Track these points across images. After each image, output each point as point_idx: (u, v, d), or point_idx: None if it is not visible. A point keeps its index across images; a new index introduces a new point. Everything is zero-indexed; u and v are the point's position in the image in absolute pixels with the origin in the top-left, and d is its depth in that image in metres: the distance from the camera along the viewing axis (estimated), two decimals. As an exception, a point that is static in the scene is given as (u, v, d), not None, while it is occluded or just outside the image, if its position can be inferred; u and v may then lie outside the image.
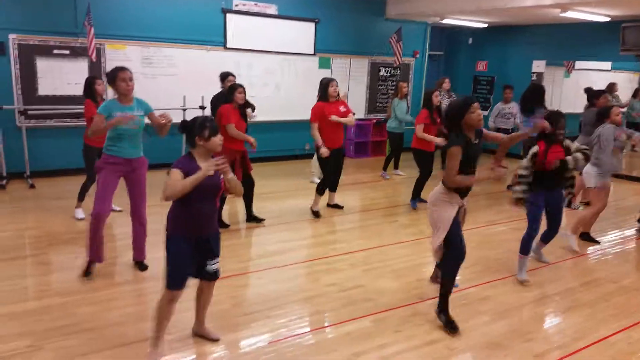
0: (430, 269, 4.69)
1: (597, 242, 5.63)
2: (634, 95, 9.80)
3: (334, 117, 5.78)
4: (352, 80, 10.18)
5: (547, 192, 4.43)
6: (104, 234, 4.26)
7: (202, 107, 8.22)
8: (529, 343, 3.55)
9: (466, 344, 3.52)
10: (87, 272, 4.22)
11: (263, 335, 3.49)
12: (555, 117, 4.37)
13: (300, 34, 9.41)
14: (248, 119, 5.74)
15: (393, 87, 10.51)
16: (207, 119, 3.01)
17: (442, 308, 3.71)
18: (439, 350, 3.42)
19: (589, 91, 7.11)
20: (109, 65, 7.42)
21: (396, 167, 8.79)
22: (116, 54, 7.70)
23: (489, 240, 5.74)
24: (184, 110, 8.18)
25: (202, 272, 3.15)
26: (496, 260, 5.07)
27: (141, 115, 4.12)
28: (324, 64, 9.74)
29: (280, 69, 9.28)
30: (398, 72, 10.68)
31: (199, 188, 2.88)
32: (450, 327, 3.63)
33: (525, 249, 4.60)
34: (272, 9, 9.02)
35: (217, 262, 3.17)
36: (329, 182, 6.14)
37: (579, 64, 13.02)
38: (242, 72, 8.79)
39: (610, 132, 5.16)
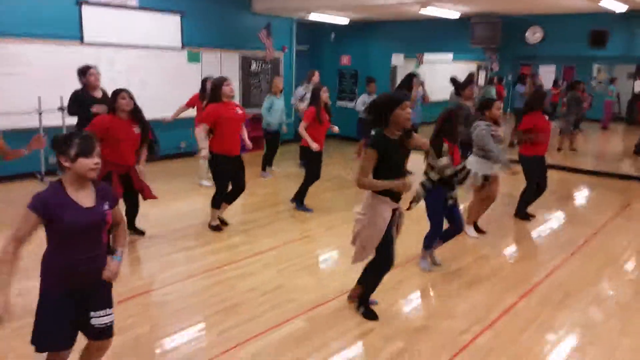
0: (340, 261, 4.76)
1: (483, 232, 5.73)
2: (489, 82, 10.86)
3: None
4: (224, 75, 9.82)
5: (447, 190, 4.42)
6: None
7: (62, 109, 7.35)
8: (451, 321, 3.76)
9: (396, 330, 3.61)
10: None
11: (196, 356, 3.22)
12: (457, 113, 4.41)
13: (166, 27, 8.85)
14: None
15: (267, 81, 10.45)
16: (76, 134, 2.37)
17: (363, 301, 3.75)
18: (376, 341, 3.46)
19: (455, 82, 7.66)
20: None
21: (270, 164, 8.67)
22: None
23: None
24: (40, 113, 7.23)
25: (87, 327, 2.50)
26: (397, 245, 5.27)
27: None
28: (194, 58, 9.30)
29: (145, 64, 8.63)
30: (269, 66, 10.61)
31: (75, 228, 2.31)
32: (371, 316, 3.71)
33: (429, 244, 4.64)
34: (133, 1, 8.35)
35: (106, 315, 2.51)
36: (224, 194, 5.43)
37: (427, 57, 14.22)
38: (103, 68, 7.95)
39: (483, 134, 5.17)
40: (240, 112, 5.39)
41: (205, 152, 5.19)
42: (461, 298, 4.16)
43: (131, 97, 4.63)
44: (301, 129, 5.99)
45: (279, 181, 8.11)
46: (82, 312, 2.46)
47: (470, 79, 8.40)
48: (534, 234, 5.88)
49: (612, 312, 4.01)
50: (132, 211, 5.13)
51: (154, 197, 4.97)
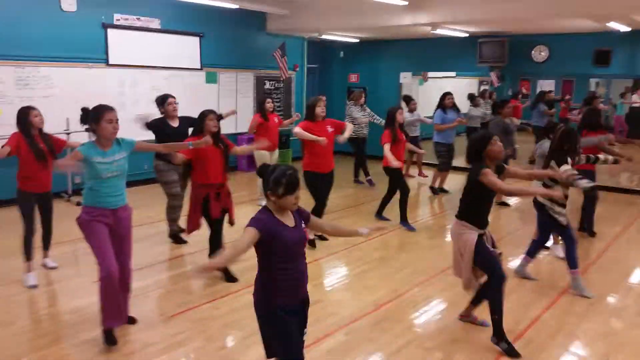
0: (370, 276, 5.02)
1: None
2: (489, 97, 11.10)
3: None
4: (239, 94, 10.18)
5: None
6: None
7: (88, 129, 7.60)
8: (483, 333, 3.96)
9: (434, 342, 3.86)
10: (112, 341, 3.64)
11: (251, 366, 3.46)
12: (574, 134, 4.67)
13: (185, 49, 9.17)
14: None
15: (278, 100, 10.76)
16: (286, 173, 2.52)
17: (499, 335, 3.70)
18: (415, 352, 3.71)
19: (473, 98, 7.93)
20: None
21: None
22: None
23: (407, 242, 6.24)
24: (68, 133, 7.49)
25: None
26: (420, 260, 5.56)
27: (123, 158, 3.66)
28: (211, 78, 9.61)
29: (166, 85, 8.89)
30: (282, 85, 10.92)
31: (289, 246, 2.55)
32: (513, 353, 3.63)
33: (533, 253, 5.02)
34: (155, 23, 8.66)
35: (306, 332, 2.81)
36: (320, 207, 5.79)
37: (431, 73, 14.57)
38: (127, 89, 8.36)
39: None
40: (331, 130, 5.78)
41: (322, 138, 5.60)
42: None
43: (218, 119, 4.80)
44: (385, 151, 6.35)
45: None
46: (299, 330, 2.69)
47: (507, 99, 8.65)
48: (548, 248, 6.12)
49: (634, 322, 4.26)
50: (217, 242, 4.90)
51: (233, 222, 4.98)
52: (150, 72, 8.65)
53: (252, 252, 2.60)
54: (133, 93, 8.37)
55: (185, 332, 3.88)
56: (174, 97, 5.83)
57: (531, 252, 5.05)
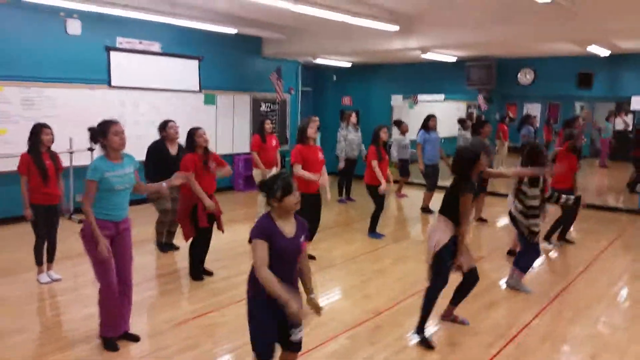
0: (370, 286, 5.22)
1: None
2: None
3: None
4: (236, 116, 10.45)
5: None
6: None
7: (91, 149, 7.80)
8: (478, 337, 4.21)
9: (431, 345, 4.06)
10: (113, 347, 3.84)
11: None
12: (540, 152, 5.10)
13: (185, 71, 9.45)
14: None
15: (273, 121, 11.04)
16: (278, 178, 2.77)
17: (420, 329, 4.09)
18: (414, 353, 3.92)
19: (463, 122, 8.31)
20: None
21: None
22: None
23: (401, 256, 6.46)
24: (71, 153, 7.68)
25: (286, 341, 2.93)
26: (415, 272, 5.76)
27: (132, 172, 3.84)
28: (210, 100, 9.89)
29: (166, 106, 9.17)
30: (277, 107, 11.23)
31: (281, 253, 2.75)
32: (426, 345, 4.00)
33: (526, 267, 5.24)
34: (156, 47, 8.95)
35: (301, 331, 2.94)
36: (313, 227, 5.80)
37: (421, 97, 14.99)
38: (128, 110, 8.58)
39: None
40: (321, 156, 5.83)
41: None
42: (483, 317, 4.61)
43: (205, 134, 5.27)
44: (374, 167, 6.73)
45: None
46: (282, 325, 2.85)
47: (486, 120, 8.99)
48: (539, 260, 6.36)
49: (619, 325, 4.51)
50: (204, 248, 5.41)
51: (222, 229, 5.41)
52: (150, 93, 8.91)
53: (248, 265, 2.84)
54: (133, 113, 8.60)
55: (195, 337, 4.05)
56: (174, 122, 6.19)
57: (522, 266, 5.25)
